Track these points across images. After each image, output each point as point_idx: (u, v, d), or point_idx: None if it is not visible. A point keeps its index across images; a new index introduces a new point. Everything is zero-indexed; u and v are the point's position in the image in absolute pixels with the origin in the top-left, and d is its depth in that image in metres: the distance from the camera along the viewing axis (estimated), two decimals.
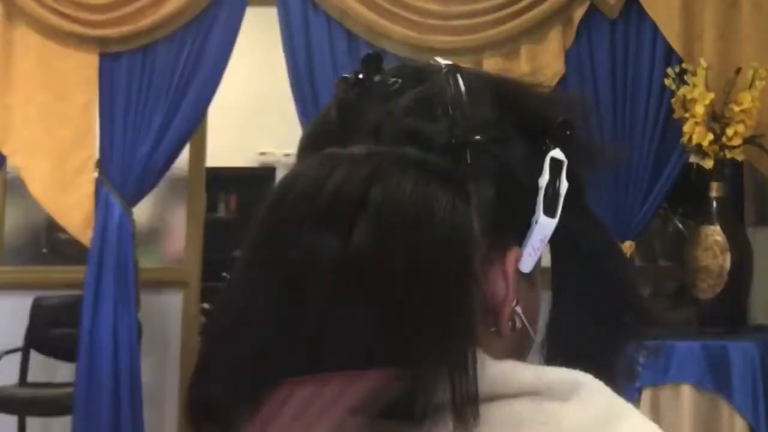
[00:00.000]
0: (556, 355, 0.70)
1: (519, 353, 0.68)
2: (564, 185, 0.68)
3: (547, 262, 0.72)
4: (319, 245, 0.62)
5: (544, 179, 0.67)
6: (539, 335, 0.71)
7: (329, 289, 0.61)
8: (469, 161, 0.65)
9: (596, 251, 0.71)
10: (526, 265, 0.67)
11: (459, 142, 0.65)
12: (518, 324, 0.67)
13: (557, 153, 0.68)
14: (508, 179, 0.67)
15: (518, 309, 0.67)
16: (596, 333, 0.71)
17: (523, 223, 0.68)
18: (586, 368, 0.65)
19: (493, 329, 0.66)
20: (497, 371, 0.62)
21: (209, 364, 0.66)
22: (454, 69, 0.68)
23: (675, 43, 3.79)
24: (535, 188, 0.67)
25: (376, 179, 0.63)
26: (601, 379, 0.65)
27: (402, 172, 0.64)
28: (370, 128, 0.67)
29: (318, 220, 0.63)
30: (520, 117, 0.70)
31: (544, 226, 0.67)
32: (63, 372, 4.26)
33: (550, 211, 0.67)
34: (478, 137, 0.66)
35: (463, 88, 0.67)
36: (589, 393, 0.63)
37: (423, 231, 0.62)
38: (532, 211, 0.67)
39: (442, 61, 0.69)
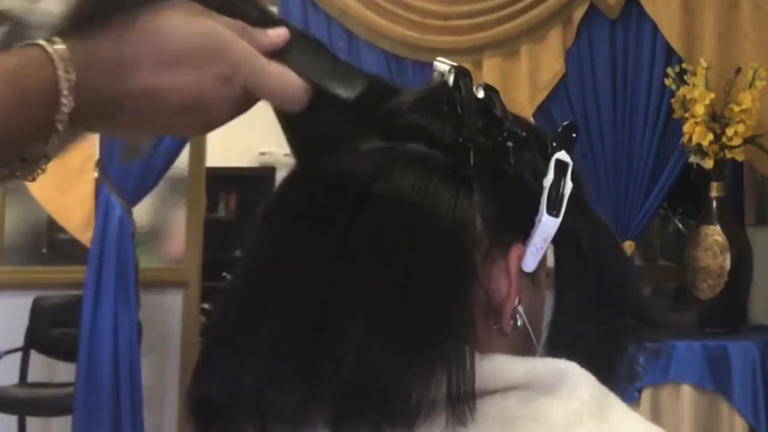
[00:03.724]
0: (558, 355, 0.70)
1: (522, 352, 0.68)
2: (569, 186, 0.68)
3: (551, 263, 0.72)
4: (320, 240, 0.63)
5: (549, 180, 0.68)
6: (543, 335, 0.71)
7: (329, 284, 0.61)
8: (473, 162, 0.65)
9: (599, 253, 0.71)
10: (529, 264, 0.68)
11: (465, 142, 0.66)
12: (520, 323, 0.67)
13: (563, 155, 0.69)
14: (512, 178, 0.67)
15: (520, 308, 0.67)
16: (598, 334, 0.71)
17: (526, 222, 0.68)
18: (587, 369, 0.65)
19: (495, 327, 0.67)
20: (487, 367, 0.63)
21: (210, 362, 0.66)
22: (462, 70, 0.69)
23: (675, 43, 3.79)
24: (540, 188, 0.68)
25: (379, 174, 0.64)
26: (602, 380, 0.65)
27: (405, 168, 0.64)
28: (375, 125, 0.68)
29: (320, 214, 0.64)
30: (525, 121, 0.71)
31: (547, 225, 0.67)
32: (63, 372, 4.26)
33: (553, 211, 0.67)
34: (484, 139, 0.66)
35: (471, 88, 0.68)
36: (574, 383, 0.63)
37: (424, 226, 0.63)
38: (536, 211, 0.67)
39: (448, 62, 0.70)
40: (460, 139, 0.66)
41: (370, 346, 0.60)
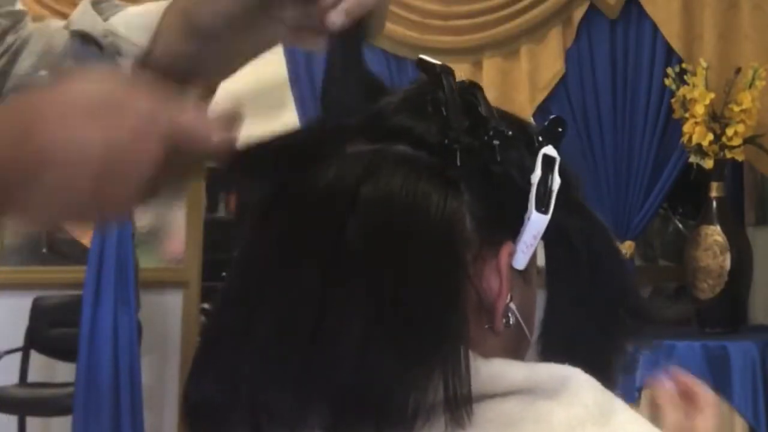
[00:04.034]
0: (551, 353, 0.70)
1: (515, 351, 0.68)
2: (556, 182, 0.68)
3: (543, 260, 0.72)
4: (315, 242, 0.63)
5: (536, 176, 0.67)
6: (535, 333, 0.71)
7: (324, 287, 0.61)
8: (459, 163, 0.65)
9: (590, 249, 0.70)
10: (520, 262, 0.67)
11: (451, 143, 0.65)
12: (512, 320, 0.67)
13: (550, 150, 0.68)
14: (500, 177, 0.67)
15: (512, 305, 0.67)
16: (591, 330, 0.71)
17: (516, 220, 0.68)
18: (581, 366, 0.64)
19: (487, 326, 0.66)
20: (487, 370, 0.62)
21: (206, 364, 0.66)
22: (445, 69, 0.68)
23: (675, 43, 3.79)
24: (528, 185, 0.67)
25: (367, 176, 0.63)
26: (597, 377, 0.64)
27: (393, 169, 0.64)
28: (361, 127, 0.68)
29: (310, 218, 0.63)
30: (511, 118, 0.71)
31: (537, 222, 0.67)
32: (63, 372, 4.26)
33: (542, 208, 0.67)
34: (470, 138, 0.66)
35: (454, 87, 0.68)
36: (577, 388, 0.63)
37: (413, 228, 0.62)
38: (525, 208, 0.67)
39: (431, 60, 0.69)
40: (446, 140, 0.66)
41: (367, 349, 0.60)
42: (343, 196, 0.63)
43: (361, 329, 0.60)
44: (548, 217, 0.67)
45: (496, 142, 0.67)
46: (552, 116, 0.71)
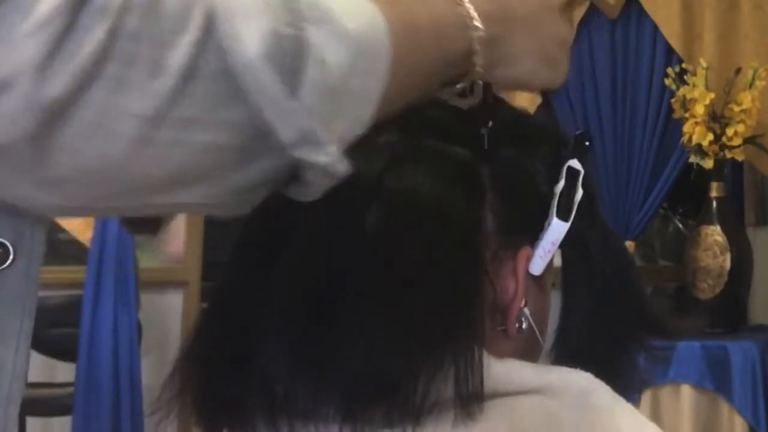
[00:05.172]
0: (563, 361, 0.70)
1: (527, 356, 0.68)
2: (579, 193, 0.69)
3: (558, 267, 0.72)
4: (333, 230, 0.63)
5: (560, 186, 0.68)
6: (548, 340, 0.71)
7: (341, 275, 0.61)
8: (486, 161, 0.66)
9: (606, 260, 0.71)
10: (537, 267, 0.68)
11: (480, 141, 0.66)
12: (525, 325, 0.67)
13: (575, 163, 0.69)
14: (524, 180, 0.68)
15: (526, 310, 0.67)
16: (604, 340, 0.71)
17: (536, 225, 0.68)
18: (593, 372, 0.65)
19: (500, 328, 0.67)
20: (499, 369, 0.63)
21: (219, 353, 0.65)
22: None
23: (675, 43, 3.79)
24: (551, 193, 0.68)
25: (392, 166, 0.64)
26: (608, 382, 0.65)
27: (417, 162, 0.64)
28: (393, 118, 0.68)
29: (334, 204, 0.63)
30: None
31: (556, 229, 0.67)
32: (63, 372, 4.26)
33: (563, 216, 0.68)
34: (498, 139, 0.67)
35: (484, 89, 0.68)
36: (589, 392, 0.63)
37: (436, 221, 0.63)
38: (546, 215, 0.68)
39: None
40: (474, 138, 0.66)
41: (380, 338, 0.60)
42: (368, 183, 0.63)
43: (375, 318, 0.60)
44: (568, 224, 0.68)
45: (523, 144, 0.67)
46: (578, 131, 0.72)
